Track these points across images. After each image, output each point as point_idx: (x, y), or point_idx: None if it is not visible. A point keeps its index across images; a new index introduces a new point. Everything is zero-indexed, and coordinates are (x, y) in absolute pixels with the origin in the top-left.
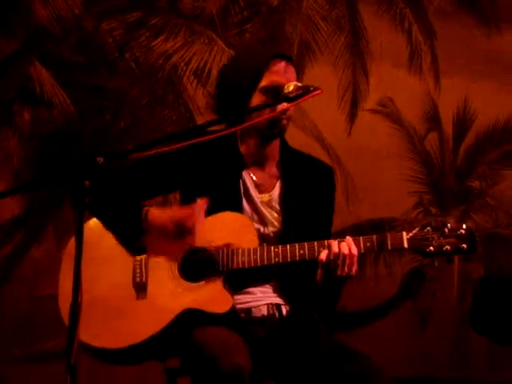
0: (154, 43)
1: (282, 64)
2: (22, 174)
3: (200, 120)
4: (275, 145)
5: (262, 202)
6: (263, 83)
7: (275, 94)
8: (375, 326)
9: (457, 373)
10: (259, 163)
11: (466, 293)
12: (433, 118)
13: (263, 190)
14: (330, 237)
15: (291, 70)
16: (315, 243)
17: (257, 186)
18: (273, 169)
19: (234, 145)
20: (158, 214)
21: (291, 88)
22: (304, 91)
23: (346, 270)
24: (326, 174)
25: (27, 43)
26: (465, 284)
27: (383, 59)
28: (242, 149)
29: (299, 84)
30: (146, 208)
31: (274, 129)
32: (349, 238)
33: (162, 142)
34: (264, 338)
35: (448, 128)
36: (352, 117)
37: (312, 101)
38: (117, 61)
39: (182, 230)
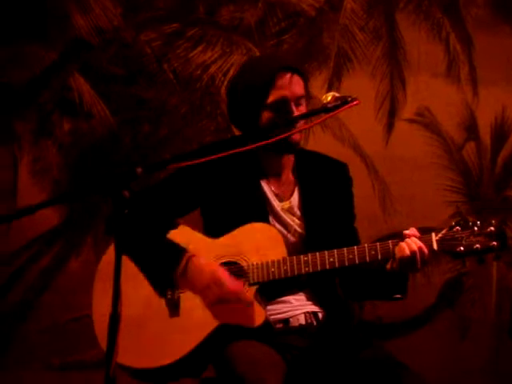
0: (191, 54)
1: (287, 77)
2: (62, 185)
3: (237, 131)
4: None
5: (282, 209)
6: (270, 99)
7: (284, 107)
8: (413, 336)
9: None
10: (276, 173)
11: (504, 302)
12: (470, 128)
13: (282, 199)
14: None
15: (297, 81)
16: (344, 250)
17: (275, 195)
18: (289, 176)
19: (254, 156)
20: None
21: (329, 98)
22: (342, 102)
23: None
24: (341, 170)
25: (66, 54)
26: (503, 293)
27: (421, 69)
28: (261, 160)
29: (337, 94)
30: (187, 255)
31: (287, 146)
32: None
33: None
34: (304, 348)
35: (486, 138)
36: (389, 127)
37: (350, 111)
38: (155, 72)
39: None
